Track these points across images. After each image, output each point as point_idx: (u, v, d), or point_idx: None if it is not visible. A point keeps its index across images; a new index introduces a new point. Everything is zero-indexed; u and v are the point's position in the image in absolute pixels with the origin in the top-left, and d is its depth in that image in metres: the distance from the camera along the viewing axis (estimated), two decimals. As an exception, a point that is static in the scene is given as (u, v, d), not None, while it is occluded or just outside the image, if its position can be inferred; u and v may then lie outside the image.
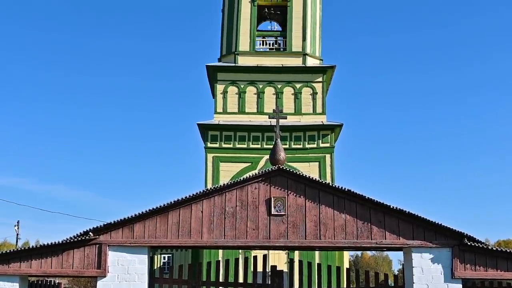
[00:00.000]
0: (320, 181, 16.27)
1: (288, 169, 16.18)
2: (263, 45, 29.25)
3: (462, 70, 64.51)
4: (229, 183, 16.00)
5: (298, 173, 16.13)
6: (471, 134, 62.94)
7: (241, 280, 18.09)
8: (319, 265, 16.99)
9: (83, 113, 66.19)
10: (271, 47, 29.27)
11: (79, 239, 15.53)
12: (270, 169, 16.03)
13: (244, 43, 28.56)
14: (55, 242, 15.53)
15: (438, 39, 64.06)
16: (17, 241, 48.36)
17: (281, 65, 28.14)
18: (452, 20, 65.06)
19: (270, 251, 21.46)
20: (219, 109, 27.76)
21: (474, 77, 64.58)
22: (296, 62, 28.35)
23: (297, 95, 27.88)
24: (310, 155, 27.05)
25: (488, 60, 64.60)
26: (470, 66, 64.50)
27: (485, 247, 15.69)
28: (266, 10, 29.71)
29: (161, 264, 34.20)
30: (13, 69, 68.53)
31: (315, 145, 27.22)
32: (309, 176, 16.10)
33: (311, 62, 28.52)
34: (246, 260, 16.94)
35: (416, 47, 63.79)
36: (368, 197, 15.80)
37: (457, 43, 65.41)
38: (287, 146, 26.14)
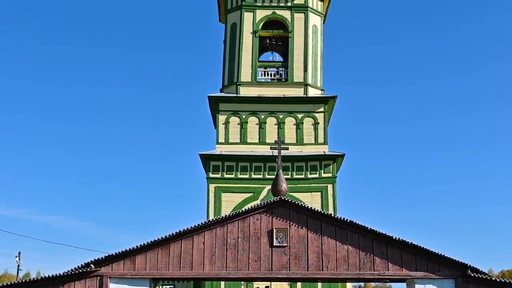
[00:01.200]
0: (322, 212, 16.25)
1: (290, 200, 16.17)
2: (264, 75, 29.39)
3: (470, 79, 65.12)
4: (230, 214, 15.99)
5: (300, 204, 16.12)
6: (475, 164, 63.01)
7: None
8: (321, 297, 16.89)
9: (83, 143, 66.54)
10: (272, 77, 29.41)
11: (81, 271, 15.47)
12: (272, 200, 16.02)
13: (246, 74, 28.71)
14: (56, 274, 15.47)
15: (441, 70, 64.53)
16: (18, 273, 48.15)
17: (283, 96, 28.25)
18: (454, 52, 65.54)
19: (273, 283, 21.33)
20: (221, 140, 27.80)
21: (481, 99, 65.08)
22: (298, 92, 28.47)
23: (298, 125, 27.94)
24: (312, 185, 27.01)
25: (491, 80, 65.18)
26: (477, 87, 64.98)
27: (488, 278, 15.60)
28: (268, 41, 29.91)
29: (163, 295, 33.93)
30: (13, 98, 69.18)
31: (317, 175, 27.18)
32: (311, 207, 16.08)
33: (312, 92, 28.63)
34: (248, 292, 16.85)
35: (417, 76, 64.25)
36: (370, 228, 15.77)
37: (461, 73, 65.88)
38: (289, 176, 26.14)
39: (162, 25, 68.05)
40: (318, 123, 27.97)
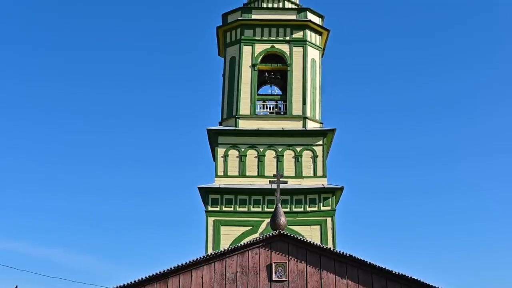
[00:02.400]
0: (321, 246, 16.19)
1: (288, 234, 16.13)
2: (263, 108, 29.52)
3: (468, 123, 65.67)
4: (229, 248, 15.94)
5: (299, 238, 16.07)
6: (478, 192, 63.20)
7: None
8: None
9: (82, 176, 66.72)
10: (271, 110, 29.54)
11: (78, 306, 15.39)
12: (271, 234, 15.98)
13: (244, 107, 28.84)
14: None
15: (443, 93, 64.97)
16: (15, 307, 47.65)
17: (282, 129, 28.35)
18: (458, 74, 65.80)
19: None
20: (220, 173, 27.80)
21: (482, 130, 65.63)
22: (297, 125, 28.57)
23: (297, 158, 27.98)
24: (311, 218, 26.92)
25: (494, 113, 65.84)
26: (476, 118, 65.51)
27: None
28: (267, 74, 30.10)
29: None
30: (5, 126, 69.54)
31: (316, 208, 27.13)
32: (310, 241, 16.04)
33: (311, 125, 28.74)
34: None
35: (417, 103, 65.00)
36: (370, 262, 15.70)
37: (464, 95, 66.23)
38: (288, 210, 26.08)
39: (161, 59, 68.72)
40: (317, 156, 28.00)
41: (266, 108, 29.54)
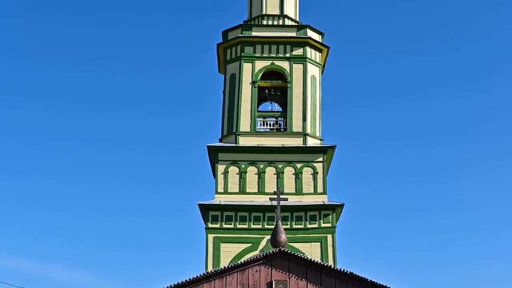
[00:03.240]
0: (322, 263, 16.15)
1: (289, 251, 16.10)
2: (263, 125, 29.56)
3: (469, 145, 65.56)
4: (229, 266, 15.90)
5: (299, 255, 16.05)
6: (479, 213, 62.98)
7: None
8: None
9: (82, 194, 66.57)
10: (271, 127, 29.57)
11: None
12: (271, 251, 15.94)
13: (245, 124, 28.88)
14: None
15: (445, 113, 65.02)
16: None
17: (282, 145, 28.37)
18: (459, 94, 65.85)
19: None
20: (220, 189, 27.78)
21: (483, 151, 65.50)
22: (297, 142, 28.59)
23: (298, 175, 27.97)
24: (311, 235, 26.87)
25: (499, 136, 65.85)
26: (479, 142, 65.39)
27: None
28: (267, 91, 30.17)
29: None
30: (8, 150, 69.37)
31: (316, 225, 27.08)
32: (310, 259, 16.00)
33: (311, 142, 28.76)
34: None
35: (420, 121, 64.92)
36: (370, 280, 15.66)
37: (465, 117, 66.21)
38: (288, 226, 26.04)
39: (161, 75, 68.93)
40: (317, 172, 28.01)
41: (266, 124, 29.59)
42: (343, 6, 69.14)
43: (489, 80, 67.42)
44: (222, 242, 26.60)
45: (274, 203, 20.13)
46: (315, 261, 15.85)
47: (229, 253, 26.19)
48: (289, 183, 27.69)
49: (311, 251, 25.66)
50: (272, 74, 30.06)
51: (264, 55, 30.02)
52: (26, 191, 68.73)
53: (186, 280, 15.50)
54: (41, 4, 70.46)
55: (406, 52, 69.05)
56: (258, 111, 29.85)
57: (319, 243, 26.70)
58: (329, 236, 26.78)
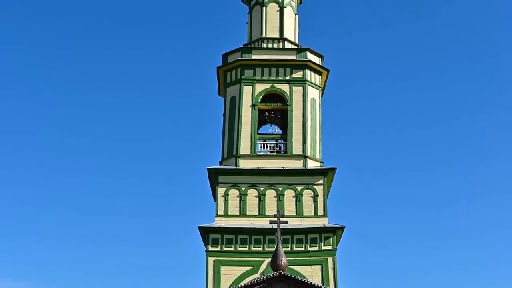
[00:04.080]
0: (322, 286, 16.07)
1: (289, 274, 16.03)
2: (263, 148, 29.58)
3: (470, 168, 65.32)
4: (229, 289, 15.82)
5: (299, 279, 15.97)
6: (480, 236, 62.54)
7: None
8: None
9: (81, 219, 66.36)
10: (271, 150, 29.58)
11: None
12: (271, 275, 15.87)
13: (245, 146, 28.89)
14: None
15: (445, 135, 64.93)
16: None
17: (282, 168, 28.35)
18: (463, 116, 65.70)
19: None
20: (220, 212, 27.73)
21: (484, 175, 65.23)
22: (297, 164, 28.58)
23: (298, 197, 27.92)
24: (312, 258, 26.77)
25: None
26: (480, 165, 65.21)
27: None
28: (267, 113, 30.22)
29: None
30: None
31: (317, 248, 27.00)
32: (311, 282, 15.93)
33: (311, 164, 28.75)
34: None
35: (420, 144, 64.79)
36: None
37: (466, 140, 66.06)
38: (288, 249, 25.98)
39: (160, 98, 69.09)
40: (318, 195, 27.96)
41: (267, 147, 29.61)
42: (343, 29, 69.70)
43: (490, 102, 67.62)
44: (222, 265, 26.50)
45: (275, 226, 20.07)
46: (316, 285, 15.78)
47: (229, 276, 26.08)
48: (289, 206, 27.65)
49: (311, 274, 25.58)
50: (272, 96, 30.15)
51: (264, 77, 30.12)
52: (35, 216, 68.61)
53: (186, 304, 15.42)
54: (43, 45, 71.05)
55: (406, 74, 69.35)
56: (258, 134, 29.88)
57: (319, 266, 26.60)
58: (330, 259, 26.68)
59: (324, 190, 28.10)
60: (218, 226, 27.13)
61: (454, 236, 62.28)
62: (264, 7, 32.10)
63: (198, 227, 27.25)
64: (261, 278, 15.84)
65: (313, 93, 30.37)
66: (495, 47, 68.57)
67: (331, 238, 27.08)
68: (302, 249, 26.89)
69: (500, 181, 64.08)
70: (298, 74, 30.18)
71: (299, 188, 28.05)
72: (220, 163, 29.36)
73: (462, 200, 64.73)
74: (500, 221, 62.57)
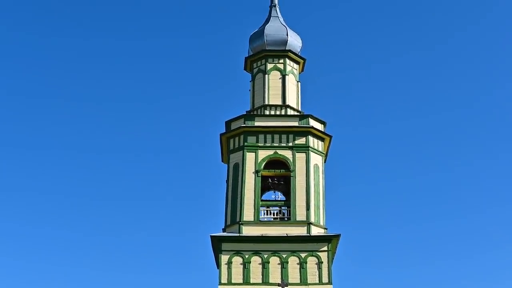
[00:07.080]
0: None
1: None
2: (267, 214, 29.45)
3: (472, 216, 65.39)
4: None
5: None
6: (483, 252, 62.14)
7: None
8: None
9: (81, 240, 65.73)
10: (275, 216, 29.44)
11: None
12: None
13: (248, 213, 28.76)
14: None
15: (447, 184, 65.10)
16: None
17: (286, 235, 28.16)
18: (462, 162, 65.96)
19: None
20: (224, 280, 27.39)
21: (487, 221, 65.29)
22: (301, 231, 28.37)
23: (302, 264, 27.62)
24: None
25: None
26: (481, 211, 65.36)
27: None
28: (270, 180, 30.23)
29: None
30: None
31: (322, 316, 26.61)
32: None
33: (315, 231, 28.54)
34: None
35: (426, 207, 64.71)
36: None
37: (467, 185, 66.11)
38: (293, 318, 25.60)
39: (164, 165, 69.38)
40: (322, 262, 27.66)
41: (270, 214, 29.49)
42: (344, 96, 70.54)
43: (488, 145, 67.96)
44: (226, 335, 26.04)
45: (279, 294, 19.66)
46: None
47: None
48: (293, 273, 27.35)
49: None
50: (275, 163, 30.20)
51: (267, 144, 30.24)
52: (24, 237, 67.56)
53: None
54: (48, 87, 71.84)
55: (409, 140, 69.74)
56: (262, 200, 29.80)
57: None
58: (336, 328, 26.22)
59: (328, 257, 27.83)
60: (222, 294, 26.78)
61: (455, 256, 62.21)
62: (266, 75, 32.55)
63: (202, 295, 26.90)
64: None
65: (316, 159, 30.43)
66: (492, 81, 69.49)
67: (336, 306, 26.67)
68: (308, 317, 26.47)
69: (505, 229, 64.09)
70: (301, 141, 30.31)
71: (303, 255, 27.78)
72: (224, 230, 29.18)
73: (467, 252, 64.39)
74: (500, 237, 62.61)
